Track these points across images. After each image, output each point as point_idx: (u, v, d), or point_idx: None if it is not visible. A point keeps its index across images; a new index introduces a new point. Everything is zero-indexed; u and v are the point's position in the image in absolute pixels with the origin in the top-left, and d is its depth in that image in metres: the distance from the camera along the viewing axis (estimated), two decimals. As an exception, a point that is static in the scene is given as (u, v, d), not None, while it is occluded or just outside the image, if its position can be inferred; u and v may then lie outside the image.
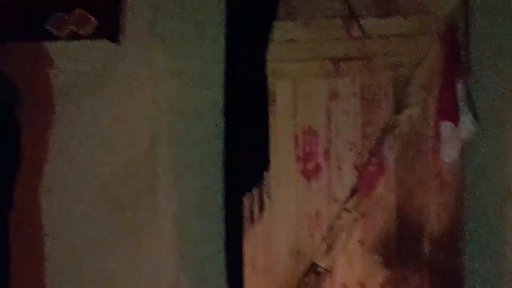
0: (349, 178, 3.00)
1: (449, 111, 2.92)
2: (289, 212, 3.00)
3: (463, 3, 2.96)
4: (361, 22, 2.92)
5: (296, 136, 2.97)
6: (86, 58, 3.09)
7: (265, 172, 2.94)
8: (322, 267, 2.98)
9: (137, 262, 3.17)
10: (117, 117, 3.15)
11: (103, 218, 3.13)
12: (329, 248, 2.98)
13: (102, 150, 3.15)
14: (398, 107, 2.97)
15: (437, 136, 2.95)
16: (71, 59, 3.07)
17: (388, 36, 2.96)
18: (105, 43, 3.09)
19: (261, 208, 2.96)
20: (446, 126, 2.92)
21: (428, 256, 3.00)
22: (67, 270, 3.11)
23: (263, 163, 2.94)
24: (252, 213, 2.96)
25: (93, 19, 3.06)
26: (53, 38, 3.01)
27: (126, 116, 3.16)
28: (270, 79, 2.90)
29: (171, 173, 3.17)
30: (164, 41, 3.12)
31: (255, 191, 2.95)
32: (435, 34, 2.93)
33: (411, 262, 3.00)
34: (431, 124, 2.98)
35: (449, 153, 2.92)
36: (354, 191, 2.98)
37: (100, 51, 3.10)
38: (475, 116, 2.92)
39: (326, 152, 2.98)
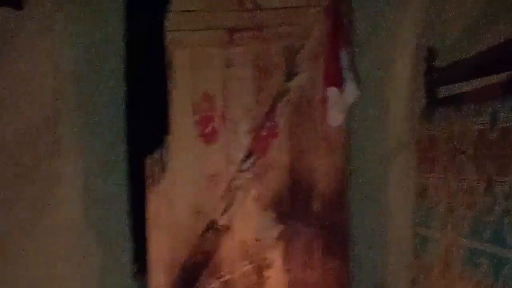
0: (244, 141, 3.13)
1: (334, 78, 3.03)
2: (189, 173, 3.13)
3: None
4: (254, -8, 3.03)
5: (194, 101, 3.08)
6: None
7: (166, 136, 3.04)
8: (221, 224, 3.11)
9: (42, 224, 3.23)
10: (19, 82, 3.19)
11: (7, 181, 3.18)
12: (227, 206, 3.11)
13: (5, 115, 3.19)
14: (289, 75, 3.09)
15: (324, 102, 3.06)
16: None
17: (278, 8, 3.08)
18: (8, 9, 3.12)
19: (163, 169, 3.08)
20: (332, 92, 3.03)
21: (318, 212, 3.14)
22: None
23: (164, 127, 3.04)
24: (154, 174, 3.07)
25: (-4, -15, 3.03)
26: None
27: (28, 82, 3.20)
28: (169, 48, 2.99)
29: (75, 136, 3.23)
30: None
31: (157, 154, 3.06)
32: (321, 7, 3.05)
33: (303, 218, 3.14)
34: (319, 90, 3.10)
35: (335, 117, 3.05)
36: (249, 153, 3.11)
37: (3, 17, 3.13)
38: (358, 82, 3.05)
39: (223, 117, 3.10)
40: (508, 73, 2.52)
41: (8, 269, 3.21)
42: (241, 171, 3.12)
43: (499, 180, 2.43)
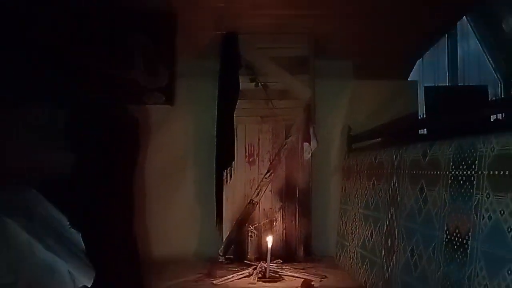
0: (266, 165, 5.12)
1: (307, 138, 5.00)
2: (241, 179, 5.13)
3: (312, 93, 5.09)
4: (272, 101, 5.12)
5: (245, 146, 5.15)
6: (156, 116, 5.16)
7: (232, 162, 5.02)
8: (254, 201, 5.09)
9: (177, 194, 5.33)
10: (169, 146, 5.28)
11: (158, 185, 5.23)
12: (258, 193, 5.12)
13: (161, 161, 5.29)
14: (287, 136, 5.07)
15: (302, 149, 5.04)
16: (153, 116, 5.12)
17: (286, 108, 5.12)
18: (164, 107, 5.11)
19: (230, 176, 5.06)
20: (305, 145, 5.03)
21: (297, 197, 5.08)
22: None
23: (232, 157, 5.02)
24: (226, 179, 5.06)
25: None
26: (142, 103, 4.93)
27: (171, 146, 5.31)
28: (235, 124, 4.99)
29: (192, 165, 5.38)
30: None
31: (228, 170, 5.03)
32: (302, 107, 5.10)
33: (290, 200, 5.09)
34: (300, 144, 5.08)
35: (306, 156, 5.03)
36: (268, 170, 5.11)
37: (158, 111, 5.15)
38: (317, 140, 5.00)
39: (258, 154, 5.14)
40: (381, 139, 4.44)
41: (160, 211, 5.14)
42: (265, 178, 5.10)
43: (377, 184, 3.85)
